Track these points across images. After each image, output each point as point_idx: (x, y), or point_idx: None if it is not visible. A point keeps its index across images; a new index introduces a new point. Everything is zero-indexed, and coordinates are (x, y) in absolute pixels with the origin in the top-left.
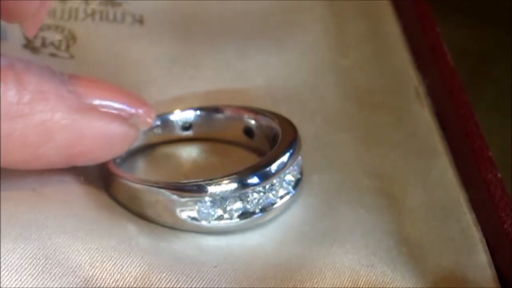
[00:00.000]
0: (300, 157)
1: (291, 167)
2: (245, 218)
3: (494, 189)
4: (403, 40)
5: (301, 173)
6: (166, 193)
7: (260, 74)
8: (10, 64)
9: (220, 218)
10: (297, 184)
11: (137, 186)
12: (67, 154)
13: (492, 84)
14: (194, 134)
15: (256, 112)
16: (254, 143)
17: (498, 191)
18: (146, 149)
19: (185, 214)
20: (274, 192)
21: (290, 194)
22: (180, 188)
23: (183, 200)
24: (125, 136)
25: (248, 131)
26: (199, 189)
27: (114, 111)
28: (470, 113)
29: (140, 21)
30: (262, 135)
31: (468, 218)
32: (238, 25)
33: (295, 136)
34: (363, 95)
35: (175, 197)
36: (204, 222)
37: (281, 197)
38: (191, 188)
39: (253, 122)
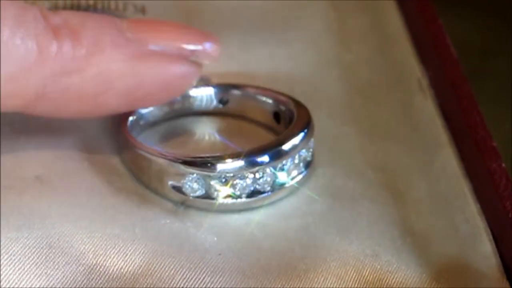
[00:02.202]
0: (312, 139)
1: (304, 149)
2: (254, 196)
3: (499, 179)
4: (406, 32)
5: (312, 155)
6: (175, 165)
7: (264, 66)
8: (64, 21)
9: (229, 196)
10: (308, 165)
11: (145, 154)
12: (126, 100)
13: (493, 77)
14: (223, 109)
15: (280, 94)
16: (280, 128)
17: (502, 180)
18: (167, 121)
19: (192, 190)
20: (285, 172)
21: (302, 174)
22: (190, 162)
23: (191, 175)
24: (186, 75)
25: (276, 116)
26: (209, 165)
27: (174, 51)
28: (473, 104)
29: (142, 11)
30: (286, 120)
31: (472, 208)
32: (241, 17)
33: (309, 119)
34: (367, 88)
35: (183, 170)
36: (212, 200)
37: (293, 178)
38: (200, 163)
39: (281, 107)
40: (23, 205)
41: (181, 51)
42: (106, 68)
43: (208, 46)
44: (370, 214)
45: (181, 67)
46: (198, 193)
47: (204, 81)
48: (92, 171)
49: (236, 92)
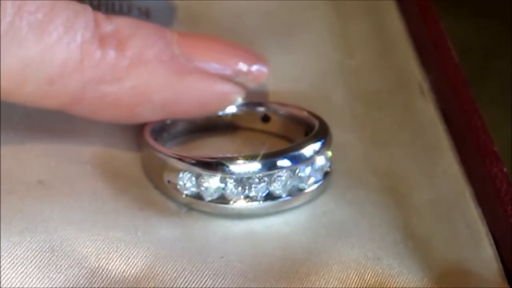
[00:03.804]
0: (329, 152)
1: (318, 158)
2: (238, 203)
3: (500, 183)
4: (407, 37)
5: (330, 167)
6: (187, 165)
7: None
8: (115, 29)
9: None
10: (323, 178)
11: (155, 153)
12: (162, 112)
13: (494, 79)
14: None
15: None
16: None
17: (503, 185)
18: (201, 131)
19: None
20: (282, 184)
21: (316, 185)
22: (200, 163)
23: (186, 173)
24: (227, 95)
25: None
26: (219, 167)
27: (220, 70)
28: (474, 108)
29: (147, 14)
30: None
31: (473, 212)
32: (244, 24)
33: (328, 131)
34: (370, 94)
35: (196, 170)
36: (201, 200)
37: (290, 191)
38: (215, 164)
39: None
40: (25, 209)
41: (226, 71)
42: (145, 81)
43: (255, 69)
44: (372, 218)
45: (224, 87)
46: (191, 191)
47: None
48: (95, 175)
49: (275, 109)
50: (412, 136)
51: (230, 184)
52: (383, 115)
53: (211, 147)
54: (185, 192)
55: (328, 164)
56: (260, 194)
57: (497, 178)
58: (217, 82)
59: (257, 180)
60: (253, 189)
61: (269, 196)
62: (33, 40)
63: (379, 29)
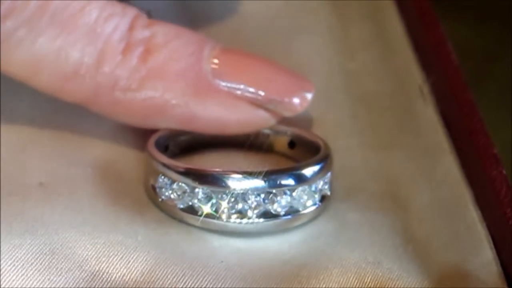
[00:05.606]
0: (329, 175)
1: (298, 189)
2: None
3: (499, 186)
4: (408, 40)
5: (320, 201)
6: (183, 179)
7: None
8: (149, 36)
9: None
10: (320, 201)
11: (147, 155)
12: (178, 126)
13: (494, 82)
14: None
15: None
16: None
17: (503, 188)
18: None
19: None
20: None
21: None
22: (197, 175)
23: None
24: (252, 121)
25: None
26: (217, 181)
27: (249, 96)
28: (474, 111)
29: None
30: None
31: (473, 215)
32: (245, 26)
33: (329, 153)
34: (371, 98)
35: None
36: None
37: (287, 210)
38: (207, 176)
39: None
40: (26, 212)
41: (258, 96)
42: (159, 96)
43: (293, 99)
44: (372, 222)
45: (249, 113)
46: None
47: None
48: (96, 178)
49: (301, 136)
50: (412, 139)
51: (201, 195)
52: (384, 118)
53: (218, 163)
54: (162, 197)
55: (317, 195)
56: (227, 211)
57: (497, 181)
58: (242, 107)
59: (224, 196)
60: (219, 205)
61: (238, 215)
62: (51, 37)
63: (380, 32)
